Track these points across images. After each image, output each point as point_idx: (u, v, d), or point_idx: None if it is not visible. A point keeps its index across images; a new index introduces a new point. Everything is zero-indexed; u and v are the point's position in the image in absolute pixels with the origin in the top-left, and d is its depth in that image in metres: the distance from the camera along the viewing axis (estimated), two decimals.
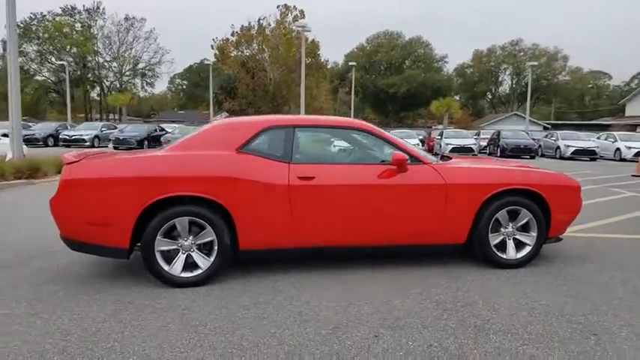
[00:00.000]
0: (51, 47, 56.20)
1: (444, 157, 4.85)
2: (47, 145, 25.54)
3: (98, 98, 62.32)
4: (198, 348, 2.83)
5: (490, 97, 72.74)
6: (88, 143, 25.70)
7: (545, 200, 4.41)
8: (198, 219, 3.84)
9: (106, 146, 25.30)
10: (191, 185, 3.82)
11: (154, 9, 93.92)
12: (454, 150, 23.57)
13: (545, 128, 46.97)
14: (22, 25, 51.63)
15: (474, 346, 2.87)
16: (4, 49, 39.48)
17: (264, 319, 3.25)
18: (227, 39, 51.21)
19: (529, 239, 4.46)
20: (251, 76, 49.76)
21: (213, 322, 3.20)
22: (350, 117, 54.95)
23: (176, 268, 3.87)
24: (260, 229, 3.97)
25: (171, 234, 3.87)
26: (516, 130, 31.50)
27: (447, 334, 3.04)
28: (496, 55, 68.57)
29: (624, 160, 22.51)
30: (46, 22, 56.19)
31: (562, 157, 23.36)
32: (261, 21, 50.20)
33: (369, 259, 4.55)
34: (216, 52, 52.16)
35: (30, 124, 30.97)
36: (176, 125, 31.88)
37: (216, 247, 3.90)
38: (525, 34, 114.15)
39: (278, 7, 50.37)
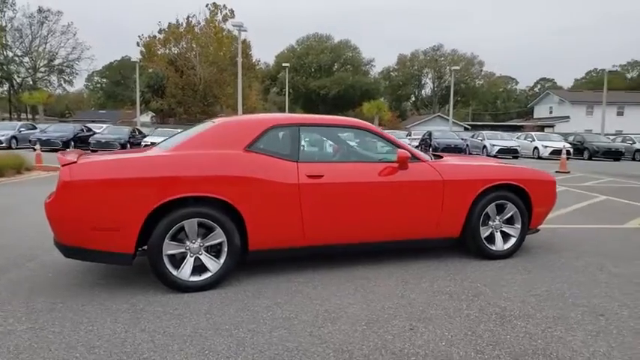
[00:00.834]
0: None
1: (436, 156, 5.04)
2: None
3: (5, 96, 57.43)
4: (242, 352, 2.76)
5: (414, 99, 75.68)
6: (4, 144, 23.66)
7: (528, 194, 4.72)
8: (207, 220, 3.72)
9: (34, 148, 23.44)
10: (201, 185, 3.70)
11: (72, 2, 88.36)
12: None
13: (465, 129, 49.59)
14: None
15: (505, 332, 3.03)
16: None
17: (294, 319, 3.22)
18: (154, 36, 49.26)
19: (514, 231, 4.75)
20: (180, 75, 48.28)
21: (243, 324, 3.13)
22: None
23: (185, 272, 3.73)
24: (270, 228, 3.92)
25: (176, 237, 3.73)
26: (444, 130, 33.02)
27: (474, 322, 3.18)
28: (419, 59, 71.48)
29: (541, 157, 24.38)
30: None
31: (488, 156, 24.83)
32: (190, 19, 48.84)
33: (367, 255, 4.63)
34: (142, 49, 50.02)
35: None
36: (104, 125, 30.21)
37: (225, 249, 3.80)
38: (445, 39, 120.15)
39: (207, 5, 49.31)
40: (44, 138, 23.03)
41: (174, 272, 3.69)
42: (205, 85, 49.31)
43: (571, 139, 26.93)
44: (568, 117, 52.82)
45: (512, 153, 24.68)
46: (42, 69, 58.32)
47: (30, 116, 54.52)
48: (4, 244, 5.03)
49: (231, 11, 49.57)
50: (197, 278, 3.75)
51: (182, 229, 3.70)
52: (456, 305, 3.49)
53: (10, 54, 55.12)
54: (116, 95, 70.76)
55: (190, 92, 49.44)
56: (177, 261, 3.74)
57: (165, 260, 3.66)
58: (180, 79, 48.62)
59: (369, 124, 4.54)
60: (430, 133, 27.65)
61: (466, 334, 3.00)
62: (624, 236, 5.91)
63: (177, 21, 49.10)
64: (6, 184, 10.01)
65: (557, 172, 15.43)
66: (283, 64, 43.78)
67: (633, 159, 25.28)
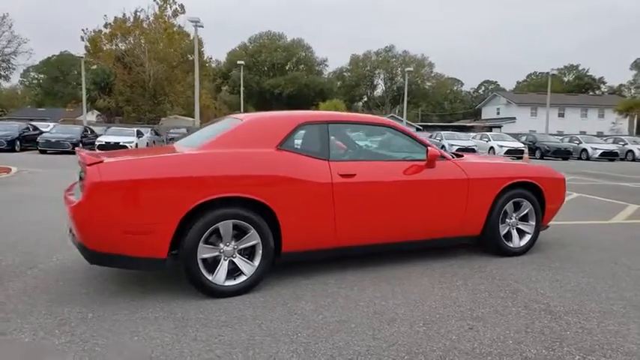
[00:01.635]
0: None
1: (456, 155, 5.05)
2: None
3: None
4: (314, 358, 2.63)
5: (366, 99, 76.62)
6: None
7: (542, 192, 4.83)
8: (243, 222, 3.55)
9: None
10: (237, 185, 3.52)
11: None
12: None
13: (417, 129, 50.74)
14: None
15: (562, 328, 3.05)
16: None
17: (350, 322, 3.11)
18: (100, 31, 47.23)
19: (529, 228, 4.84)
20: (128, 72, 46.51)
21: (298, 330, 2.99)
22: None
23: (220, 276, 3.54)
24: (303, 230, 3.79)
25: (208, 239, 3.53)
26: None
27: (528, 319, 3.19)
28: (371, 60, 72.43)
29: None
30: None
31: None
32: (138, 13, 47.16)
33: (388, 256, 4.57)
34: (87, 44, 47.83)
35: None
36: (51, 124, 28.63)
37: (260, 251, 3.64)
38: (396, 40, 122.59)
39: (155, 0, 47.79)
40: None
41: (209, 277, 3.50)
42: (155, 82, 47.79)
43: (523, 139, 28.10)
44: (514, 118, 55.10)
45: (469, 152, 25.40)
46: None
47: None
48: None
49: (181, 6, 48.31)
50: (232, 282, 3.58)
51: (215, 231, 3.51)
52: (500, 303, 3.49)
53: None
54: (55, 92, 67.32)
55: (139, 90, 47.75)
56: (210, 265, 3.54)
57: (200, 264, 3.46)
58: (128, 76, 46.84)
59: (395, 122, 4.49)
60: None
61: (526, 331, 3.01)
62: (616, 231, 6.17)
63: (125, 15, 47.31)
64: None
65: None
66: (238, 62, 43.16)
67: (579, 158, 26.67)
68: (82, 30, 48.44)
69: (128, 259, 3.37)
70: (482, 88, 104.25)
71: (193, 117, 53.21)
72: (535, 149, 26.41)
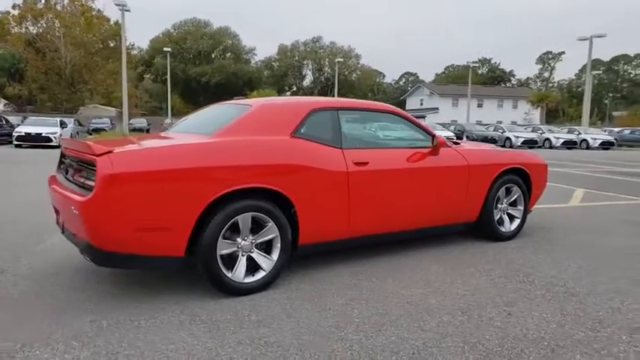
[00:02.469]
0: None
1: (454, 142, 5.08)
2: None
3: None
4: (375, 354, 2.50)
5: (295, 89, 76.45)
6: None
7: (530, 177, 4.98)
8: (261, 214, 3.33)
9: None
10: (257, 176, 3.29)
11: None
12: None
13: None
14: None
15: (594, 309, 3.13)
16: None
17: (389, 315, 3.01)
18: (7, 12, 43.28)
19: (518, 213, 4.99)
20: (41, 58, 43.09)
21: (342, 326, 2.84)
22: (165, 106, 51.21)
23: (239, 273, 3.30)
24: (320, 220, 3.64)
25: (225, 234, 3.28)
26: None
27: (556, 302, 3.25)
28: (299, 50, 72.23)
29: None
30: None
31: None
32: None
33: (383, 246, 4.51)
34: None
35: None
36: None
37: (278, 245, 3.44)
38: (324, 32, 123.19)
39: None
40: None
41: (229, 274, 3.25)
42: (73, 69, 44.68)
43: (452, 128, 29.32)
44: (437, 108, 57.49)
45: None
46: None
47: None
48: None
49: None
50: (251, 279, 3.35)
51: (233, 225, 3.26)
52: (522, 287, 3.54)
53: None
54: None
55: (55, 77, 44.48)
56: (227, 261, 3.29)
57: (219, 261, 3.20)
58: (42, 62, 43.44)
59: (399, 109, 4.42)
60: None
61: (562, 314, 3.06)
62: (580, 213, 6.55)
63: None
64: None
65: None
66: (164, 49, 41.22)
67: (503, 146, 28.26)
68: None
69: (143, 259, 3.05)
70: (403, 79, 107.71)
71: (114, 106, 50.61)
72: (462, 138, 27.66)
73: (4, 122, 22.48)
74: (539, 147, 28.17)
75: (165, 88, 64.28)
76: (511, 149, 5.64)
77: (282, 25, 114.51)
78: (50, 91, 43.98)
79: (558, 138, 28.67)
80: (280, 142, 3.50)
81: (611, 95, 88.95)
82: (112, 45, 46.44)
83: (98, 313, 2.99)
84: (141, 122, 38.49)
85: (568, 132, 30.56)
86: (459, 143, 4.96)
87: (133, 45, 52.87)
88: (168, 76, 41.97)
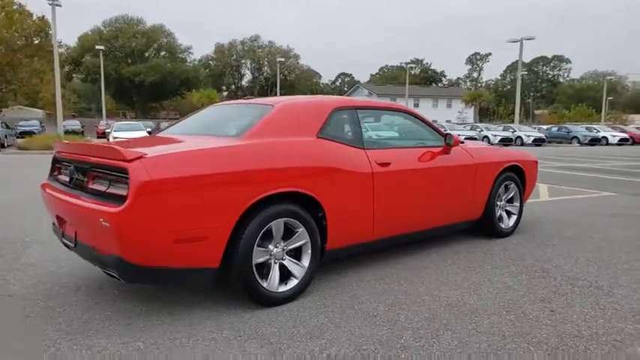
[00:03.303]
0: None
1: None
2: None
3: None
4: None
5: (234, 88, 75.26)
6: None
7: (524, 174, 5.11)
8: (293, 219, 3.16)
9: None
10: (290, 179, 3.12)
11: None
12: None
13: None
14: None
15: (628, 301, 3.21)
16: None
17: (437, 319, 2.94)
18: None
19: (514, 209, 5.10)
20: None
21: (398, 332, 2.74)
22: (95, 107, 48.78)
23: (273, 282, 3.12)
24: (347, 224, 3.51)
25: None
26: None
27: (589, 297, 3.30)
28: (237, 49, 71.17)
29: None
30: None
31: None
32: None
33: (392, 246, 4.44)
34: None
35: None
36: None
37: (309, 251, 3.28)
38: (259, 31, 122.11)
39: None
40: None
41: (264, 284, 3.06)
42: None
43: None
44: None
45: None
46: None
47: None
48: None
49: None
50: (285, 288, 3.18)
51: (266, 232, 3.07)
52: (548, 283, 3.58)
53: None
54: None
55: None
56: (260, 270, 3.09)
57: (255, 270, 3.00)
58: None
59: (411, 108, 4.36)
60: None
61: (600, 308, 3.12)
62: (553, 207, 6.82)
63: None
64: None
65: None
66: (97, 47, 39.10)
67: None
68: None
69: (177, 273, 2.79)
70: (339, 80, 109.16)
71: (40, 108, 47.33)
72: None
73: None
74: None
75: (95, 88, 61.20)
76: (506, 147, 5.74)
77: (217, 24, 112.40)
78: None
79: (495, 135, 30.08)
80: (309, 144, 3.35)
81: (532, 95, 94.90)
82: (36, 42, 43.43)
83: (128, 333, 2.70)
84: (74, 124, 36.34)
85: (503, 130, 32.11)
86: (462, 141, 4.98)
87: (61, 42, 49.85)
88: (102, 76, 39.85)
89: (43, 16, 42.38)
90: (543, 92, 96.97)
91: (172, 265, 2.74)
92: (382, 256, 4.17)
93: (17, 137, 27.04)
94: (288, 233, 3.21)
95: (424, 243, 4.58)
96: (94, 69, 55.01)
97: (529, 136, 30.06)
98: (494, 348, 2.56)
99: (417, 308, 3.11)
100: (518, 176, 5.07)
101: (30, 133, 28.71)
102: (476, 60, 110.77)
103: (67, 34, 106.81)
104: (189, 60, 64.80)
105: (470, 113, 59.67)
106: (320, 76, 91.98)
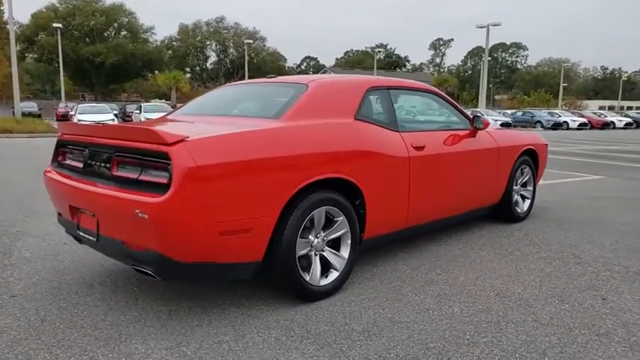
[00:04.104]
0: None
1: None
2: None
3: None
4: (515, 351, 2.27)
5: (199, 70, 73.36)
6: None
7: (538, 157, 5.03)
8: (335, 208, 2.93)
9: None
10: (333, 164, 2.88)
11: None
12: None
13: None
14: None
15: None
16: None
17: (494, 311, 2.78)
18: None
19: (528, 193, 5.02)
20: None
21: (459, 326, 2.57)
22: (55, 89, 46.40)
23: (315, 275, 2.89)
24: (385, 211, 3.31)
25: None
26: None
27: (630, 283, 3.23)
28: (202, 31, 69.26)
29: None
30: None
31: None
32: None
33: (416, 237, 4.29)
34: None
35: None
36: None
37: (349, 241, 3.06)
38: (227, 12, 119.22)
39: None
40: None
41: (307, 277, 2.83)
42: None
43: None
44: None
45: None
46: None
47: None
48: None
49: None
50: (325, 281, 2.95)
51: (308, 222, 2.83)
52: (586, 269, 3.49)
53: None
54: None
55: None
56: (302, 263, 2.86)
57: (298, 263, 2.76)
58: None
59: (436, 89, 4.17)
60: None
61: None
62: (551, 191, 6.81)
63: None
64: None
65: None
66: (54, 25, 37.13)
67: None
68: None
69: (220, 268, 2.52)
70: (305, 64, 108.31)
71: None
72: None
73: None
74: None
75: (50, 69, 58.43)
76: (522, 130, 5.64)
77: (181, 4, 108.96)
78: None
79: None
80: (348, 126, 3.10)
81: (492, 80, 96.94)
82: None
83: (166, 337, 2.43)
84: (30, 106, 34.51)
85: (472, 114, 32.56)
86: None
87: (14, 20, 47.13)
88: (60, 56, 37.91)
89: None
90: (502, 78, 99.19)
91: (216, 260, 2.47)
92: (407, 245, 4.00)
93: None
94: (328, 223, 2.98)
95: (442, 230, 4.44)
96: (49, 48, 52.34)
97: (497, 120, 30.54)
98: (565, 342, 2.42)
99: (467, 299, 2.95)
100: (532, 160, 4.98)
101: None
102: (439, 45, 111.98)
103: (19, 10, 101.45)
104: (151, 41, 62.53)
105: None
106: (285, 60, 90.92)
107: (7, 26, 44.84)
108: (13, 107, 25.91)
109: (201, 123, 3.02)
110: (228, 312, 2.74)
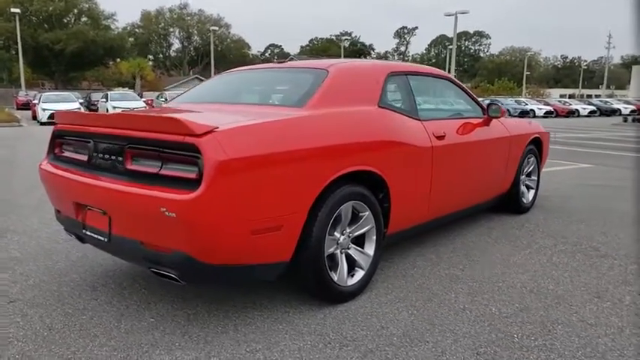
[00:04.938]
0: None
1: None
2: None
3: None
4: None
5: (162, 58, 71.35)
6: None
7: (542, 146, 4.95)
8: (361, 202, 2.72)
9: None
10: (361, 156, 2.67)
11: None
12: None
13: None
14: None
15: None
16: None
17: (533, 308, 2.64)
18: None
19: (532, 183, 4.93)
20: None
21: (501, 328, 2.42)
22: (12, 77, 44.36)
23: (342, 275, 2.69)
24: (408, 204, 3.12)
25: None
26: None
27: None
28: (165, 17, 67.34)
29: None
30: None
31: None
32: None
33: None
34: None
35: None
36: None
37: (373, 237, 2.86)
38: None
39: None
40: None
41: (335, 277, 2.62)
42: None
43: None
44: None
45: None
46: None
47: None
48: None
49: None
50: (352, 281, 2.75)
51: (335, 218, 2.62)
52: (612, 262, 3.38)
53: None
54: None
55: None
56: (330, 262, 2.65)
57: (326, 262, 2.55)
58: None
59: (449, 74, 4.00)
60: None
61: None
62: (549, 180, 6.76)
63: None
64: None
65: None
66: (12, 10, 35.28)
67: None
68: None
69: (246, 270, 2.28)
70: (269, 51, 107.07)
71: None
72: None
73: None
74: None
75: (7, 56, 55.60)
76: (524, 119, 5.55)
77: None
78: None
79: None
80: (373, 114, 2.89)
81: (456, 69, 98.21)
82: None
83: (192, 346, 2.19)
84: None
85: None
86: None
87: None
88: (19, 43, 36.04)
89: None
90: (465, 67, 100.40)
91: (245, 262, 2.23)
92: (419, 240, 3.82)
93: None
94: (353, 218, 2.77)
95: (451, 222, 4.28)
96: (6, 34, 49.80)
97: None
98: (622, 344, 2.29)
99: (501, 297, 2.80)
100: (538, 149, 4.90)
101: None
102: (403, 34, 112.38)
103: None
104: (113, 27, 60.24)
105: None
106: (249, 47, 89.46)
107: None
108: None
109: (220, 112, 2.74)
110: (252, 316, 2.52)
